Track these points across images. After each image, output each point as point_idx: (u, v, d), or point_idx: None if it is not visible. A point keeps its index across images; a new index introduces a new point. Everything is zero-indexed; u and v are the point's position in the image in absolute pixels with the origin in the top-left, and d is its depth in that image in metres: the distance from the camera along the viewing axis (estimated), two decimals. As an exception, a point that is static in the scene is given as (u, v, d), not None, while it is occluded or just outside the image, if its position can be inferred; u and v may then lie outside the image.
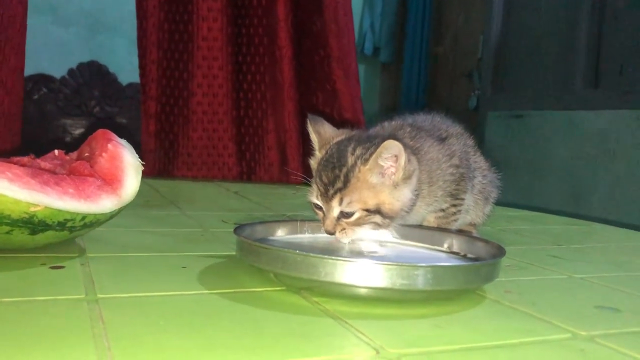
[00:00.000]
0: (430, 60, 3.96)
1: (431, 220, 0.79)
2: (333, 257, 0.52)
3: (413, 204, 0.71)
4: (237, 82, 1.72)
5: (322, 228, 0.69)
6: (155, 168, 1.68)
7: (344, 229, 0.68)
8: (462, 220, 0.83)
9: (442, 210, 0.78)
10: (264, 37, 1.69)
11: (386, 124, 0.81)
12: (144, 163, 0.72)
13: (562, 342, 0.47)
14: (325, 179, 0.68)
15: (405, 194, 0.69)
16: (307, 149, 1.70)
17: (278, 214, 1.09)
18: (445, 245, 0.72)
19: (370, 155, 0.65)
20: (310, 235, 0.74)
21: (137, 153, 0.73)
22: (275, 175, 1.72)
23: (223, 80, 1.69)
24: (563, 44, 2.79)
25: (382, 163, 0.66)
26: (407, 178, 0.68)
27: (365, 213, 0.67)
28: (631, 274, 0.76)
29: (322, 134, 0.74)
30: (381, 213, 0.68)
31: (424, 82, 3.97)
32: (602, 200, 2.42)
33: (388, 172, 0.67)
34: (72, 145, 0.77)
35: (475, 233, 0.85)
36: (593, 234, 1.13)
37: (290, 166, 1.70)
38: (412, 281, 0.51)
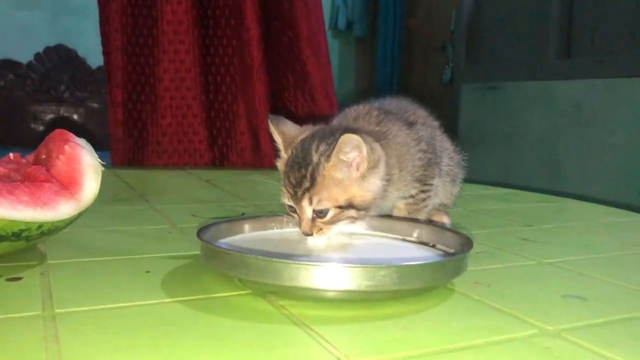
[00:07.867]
0: (404, 33, 3.93)
1: (401, 207, 0.78)
2: (297, 262, 0.51)
3: (385, 191, 0.71)
4: (205, 66, 1.68)
5: (299, 230, 0.67)
6: (125, 157, 1.65)
7: (321, 229, 0.66)
8: (432, 203, 0.83)
9: (412, 196, 0.77)
10: (230, 18, 1.65)
11: (353, 109, 0.80)
12: (104, 163, 0.70)
13: (529, 339, 0.47)
14: (293, 180, 0.66)
15: (374, 183, 0.68)
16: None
17: (249, 204, 1.08)
18: (415, 236, 0.71)
19: (332, 151, 0.64)
20: (279, 230, 0.73)
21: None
22: (248, 160, 1.70)
23: (190, 65, 1.65)
24: (535, 15, 2.78)
25: (344, 158, 0.64)
26: (373, 167, 0.67)
27: (338, 210, 0.66)
28: (599, 255, 0.76)
29: (285, 133, 0.71)
30: (354, 206, 0.66)
31: (398, 55, 3.95)
32: (577, 168, 2.44)
33: (354, 165, 0.66)
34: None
35: (446, 220, 0.84)
36: (565, 212, 1.14)
37: (263, 150, 1.68)
38: (377, 282, 0.51)
